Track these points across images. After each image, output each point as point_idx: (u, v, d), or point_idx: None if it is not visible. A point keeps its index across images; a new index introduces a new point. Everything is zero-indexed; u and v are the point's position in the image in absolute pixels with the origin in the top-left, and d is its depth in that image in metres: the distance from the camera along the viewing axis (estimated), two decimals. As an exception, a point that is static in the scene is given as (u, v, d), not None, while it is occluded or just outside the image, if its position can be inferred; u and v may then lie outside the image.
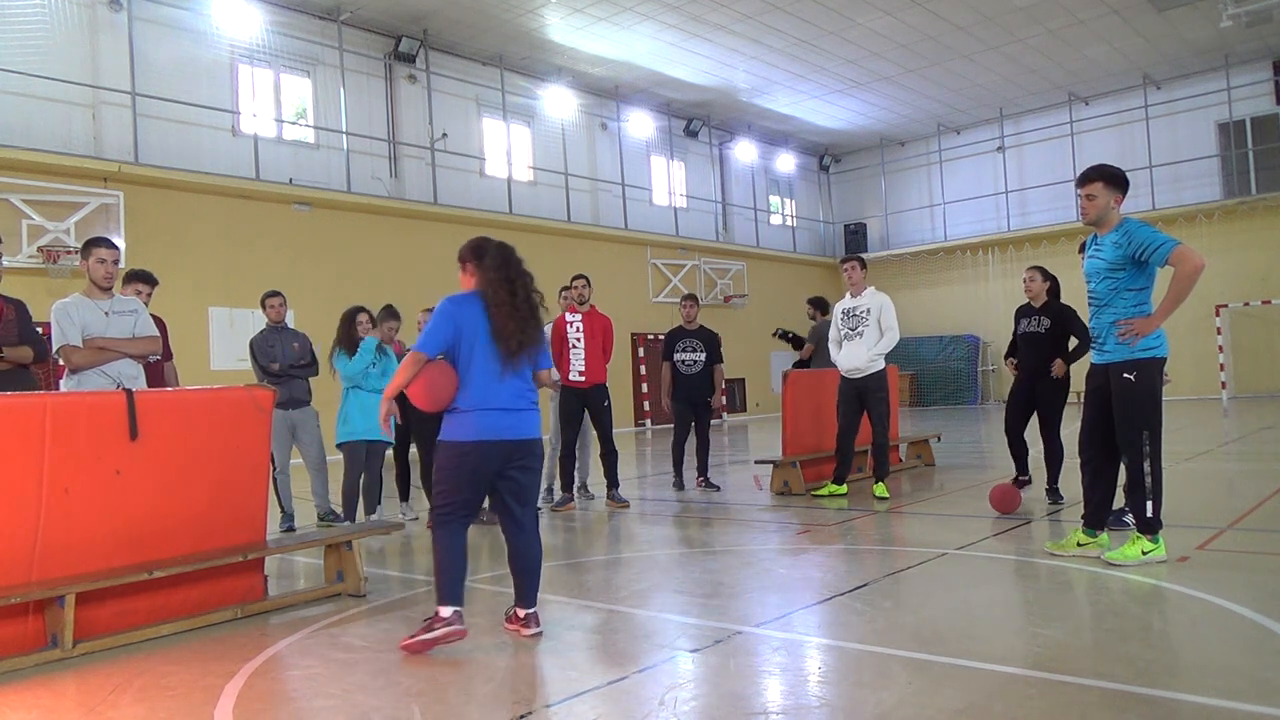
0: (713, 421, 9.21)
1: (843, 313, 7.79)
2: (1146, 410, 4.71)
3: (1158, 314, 4.66)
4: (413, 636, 3.75)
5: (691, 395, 8.81)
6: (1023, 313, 7.26)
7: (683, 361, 8.83)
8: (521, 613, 3.94)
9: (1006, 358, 7.47)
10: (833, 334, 7.89)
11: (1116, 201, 4.83)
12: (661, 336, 16.76)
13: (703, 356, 8.84)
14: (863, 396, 7.61)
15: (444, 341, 3.83)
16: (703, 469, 8.94)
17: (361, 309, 7.25)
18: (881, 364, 7.56)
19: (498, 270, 3.91)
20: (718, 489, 8.73)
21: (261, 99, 15.71)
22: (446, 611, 3.73)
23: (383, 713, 3.08)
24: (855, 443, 7.87)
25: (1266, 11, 17.70)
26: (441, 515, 3.85)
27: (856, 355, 7.54)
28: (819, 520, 6.74)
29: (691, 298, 9.16)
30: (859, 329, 7.56)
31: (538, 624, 3.92)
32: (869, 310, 7.57)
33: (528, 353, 3.91)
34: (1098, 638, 3.51)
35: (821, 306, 9.82)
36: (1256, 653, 3.29)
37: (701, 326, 9.01)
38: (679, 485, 8.89)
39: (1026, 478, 7.38)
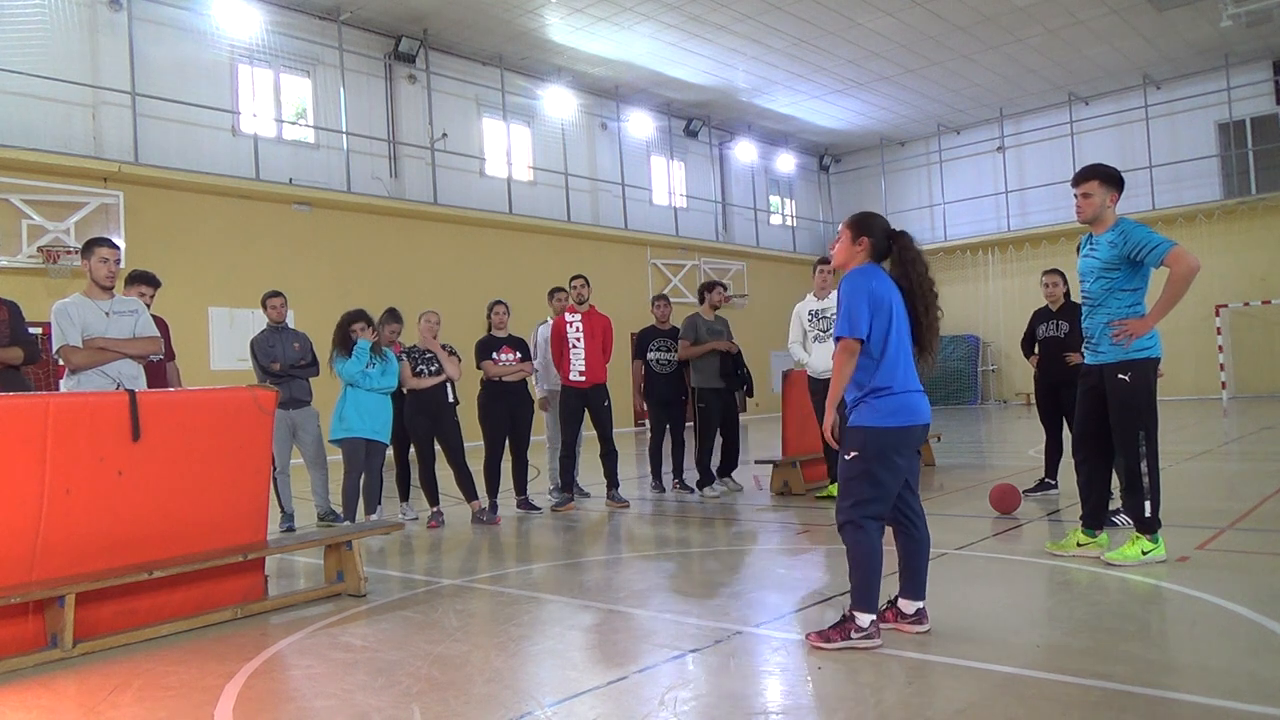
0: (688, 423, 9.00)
1: (810, 314, 7.75)
2: (1142, 411, 4.71)
3: (1151, 315, 4.65)
4: (822, 633, 3.55)
5: (665, 395, 8.64)
6: (1041, 317, 7.28)
7: (657, 361, 8.64)
8: (913, 607, 3.70)
9: (1029, 353, 7.41)
10: (794, 335, 7.83)
11: (1112, 200, 4.82)
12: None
13: (675, 356, 8.65)
14: None
15: (870, 322, 3.61)
16: (677, 470, 8.73)
17: (360, 316, 7.16)
18: None
19: (919, 265, 3.73)
20: (691, 490, 8.51)
21: (261, 99, 15.71)
22: (865, 620, 3.51)
23: (383, 713, 3.08)
24: None
25: (1266, 11, 17.69)
26: (871, 513, 3.54)
27: (827, 356, 7.53)
28: (819, 520, 6.73)
29: (663, 298, 9.01)
30: (830, 330, 7.56)
31: (927, 619, 3.70)
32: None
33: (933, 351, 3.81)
34: (1098, 638, 3.51)
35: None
36: (1256, 653, 3.28)
37: (673, 326, 8.84)
38: (658, 488, 8.74)
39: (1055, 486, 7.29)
